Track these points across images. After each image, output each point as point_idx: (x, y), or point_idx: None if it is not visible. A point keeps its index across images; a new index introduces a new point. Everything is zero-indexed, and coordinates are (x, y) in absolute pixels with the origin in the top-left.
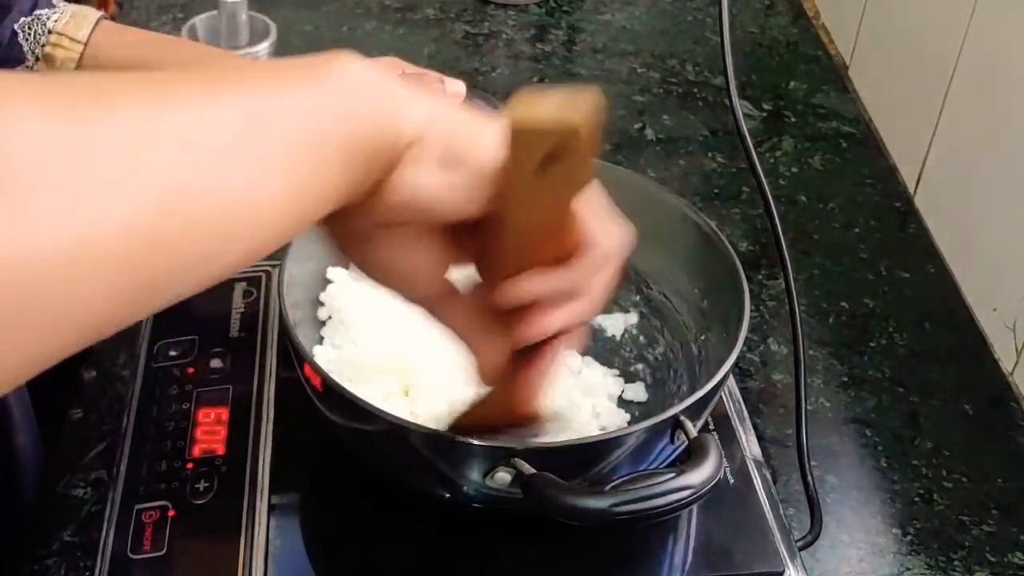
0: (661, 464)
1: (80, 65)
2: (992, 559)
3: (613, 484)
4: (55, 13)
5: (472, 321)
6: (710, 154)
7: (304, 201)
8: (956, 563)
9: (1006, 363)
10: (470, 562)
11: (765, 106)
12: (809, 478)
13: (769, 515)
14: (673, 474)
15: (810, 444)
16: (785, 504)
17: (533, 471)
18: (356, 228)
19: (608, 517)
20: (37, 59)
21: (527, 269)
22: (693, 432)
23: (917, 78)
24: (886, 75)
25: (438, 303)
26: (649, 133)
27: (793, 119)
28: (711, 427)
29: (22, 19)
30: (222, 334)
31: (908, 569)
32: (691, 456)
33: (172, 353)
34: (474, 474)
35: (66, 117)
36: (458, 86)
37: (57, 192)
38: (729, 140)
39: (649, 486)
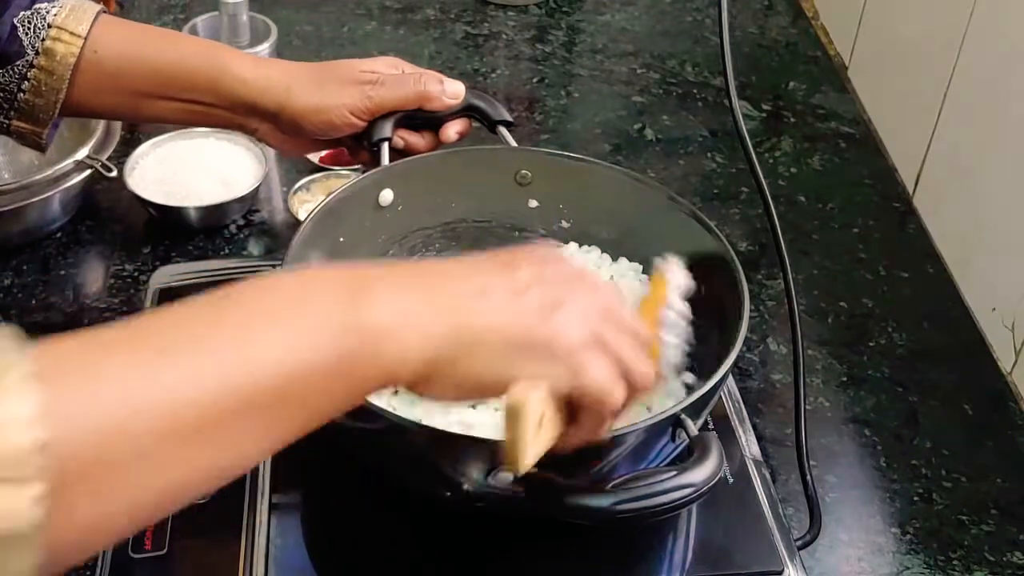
0: (661, 463)
1: (80, 60)
2: (991, 558)
3: (615, 483)
4: (54, 7)
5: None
6: (709, 154)
7: (294, 436)
8: (955, 562)
9: (1005, 363)
10: (470, 562)
11: (764, 106)
12: (808, 478)
13: (768, 514)
14: (675, 472)
15: (809, 444)
16: (784, 503)
17: (535, 470)
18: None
19: (610, 516)
20: (37, 53)
21: None
22: (694, 430)
23: (916, 79)
24: (885, 76)
25: None
26: (649, 133)
27: (792, 119)
28: (711, 427)
29: (21, 13)
30: None
31: (907, 568)
32: (692, 454)
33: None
34: (476, 473)
35: (91, 411)
36: (457, 87)
37: (84, 498)
38: (728, 140)
39: (651, 484)
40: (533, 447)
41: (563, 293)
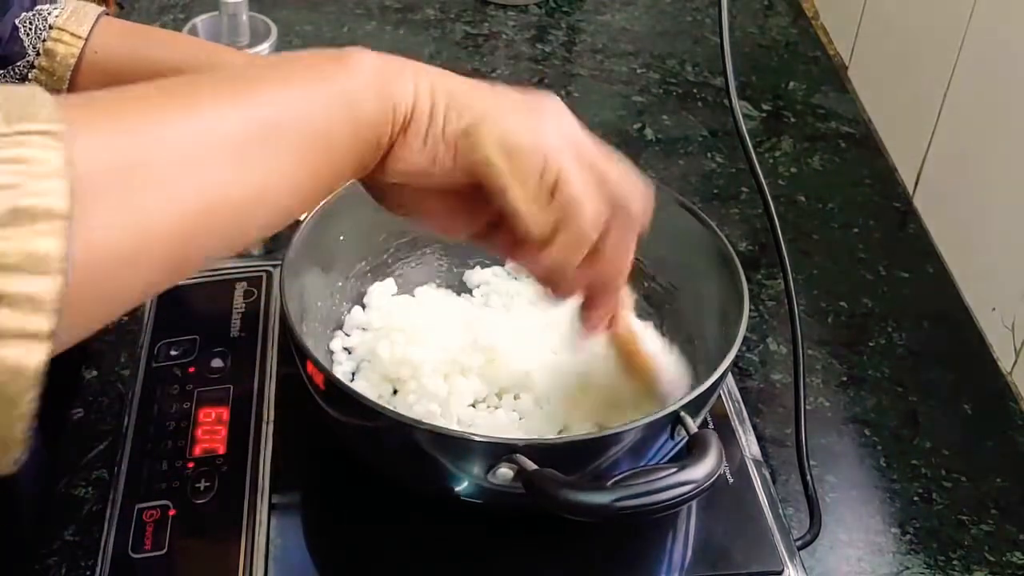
0: (660, 460)
1: (81, 61)
2: (991, 558)
3: (615, 479)
4: (56, 8)
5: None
6: (709, 154)
7: (316, 186)
8: (955, 562)
9: (1005, 363)
10: (470, 561)
11: (764, 106)
12: (808, 477)
13: (768, 514)
14: (675, 469)
15: (809, 444)
16: (784, 503)
17: (535, 467)
18: (379, 186)
19: (610, 512)
20: (38, 54)
21: None
22: (693, 428)
23: (916, 78)
24: (885, 75)
25: (479, 237)
26: (648, 133)
27: (792, 119)
28: (711, 426)
29: (23, 14)
30: (223, 334)
31: (907, 568)
32: (692, 451)
33: (173, 353)
34: (476, 470)
35: (117, 132)
36: None
37: (114, 203)
38: (728, 140)
39: (651, 481)
40: None
41: (547, 108)
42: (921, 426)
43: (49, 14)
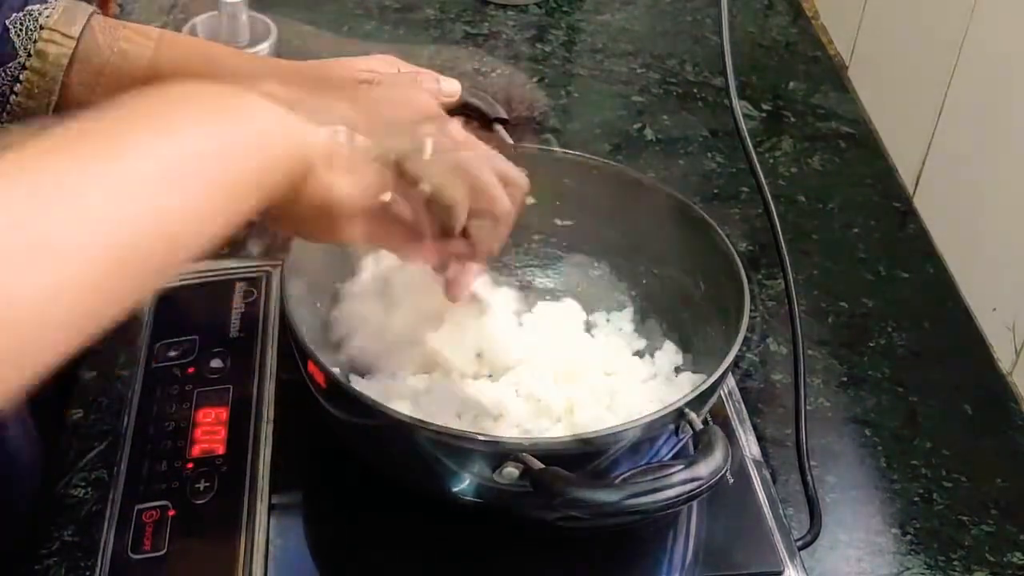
0: (664, 457)
1: (74, 59)
2: (991, 559)
3: (623, 476)
4: (47, 8)
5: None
6: (710, 154)
7: (227, 221)
8: (955, 563)
9: (1005, 363)
10: (470, 561)
11: (764, 106)
12: (808, 478)
13: (768, 515)
14: (682, 466)
15: (809, 444)
16: (784, 504)
17: (542, 466)
18: (284, 215)
19: (619, 510)
20: (29, 55)
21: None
22: (698, 424)
23: (916, 78)
24: (885, 75)
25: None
26: (648, 133)
27: (792, 119)
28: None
29: (13, 15)
30: (222, 334)
31: (907, 569)
32: (698, 447)
33: (172, 353)
34: (482, 470)
35: (17, 191)
36: (453, 85)
37: (18, 262)
38: (729, 140)
39: (659, 478)
40: None
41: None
42: (921, 426)
43: (40, 14)
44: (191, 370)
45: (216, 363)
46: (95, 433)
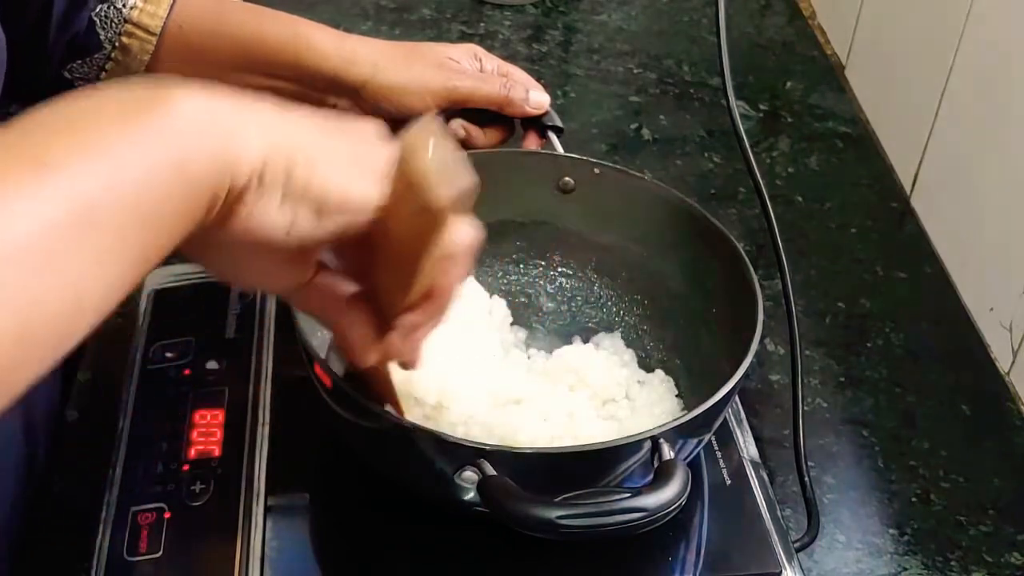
0: (639, 484)
1: (164, 34)
2: (989, 559)
3: (565, 496)
4: None
5: (330, 307)
6: (707, 154)
7: (146, 258)
8: (953, 563)
9: (1003, 363)
10: (469, 563)
11: (761, 106)
12: (806, 479)
13: (766, 516)
14: (627, 494)
15: (807, 445)
16: (782, 505)
17: (493, 473)
18: (204, 245)
19: (553, 529)
20: (114, 47)
21: (391, 270)
22: (667, 455)
23: (914, 78)
24: (882, 75)
25: (295, 293)
26: (645, 133)
27: (789, 119)
28: (715, 445)
29: (99, 6)
30: (218, 336)
31: (905, 569)
32: (656, 479)
33: (168, 355)
34: (446, 471)
35: None
36: (542, 99)
37: None
38: (726, 140)
39: (599, 503)
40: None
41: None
42: (919, 427)
43: (124, 5)
44: (187, 372)
45: (212, 365)
46: (90, 435)
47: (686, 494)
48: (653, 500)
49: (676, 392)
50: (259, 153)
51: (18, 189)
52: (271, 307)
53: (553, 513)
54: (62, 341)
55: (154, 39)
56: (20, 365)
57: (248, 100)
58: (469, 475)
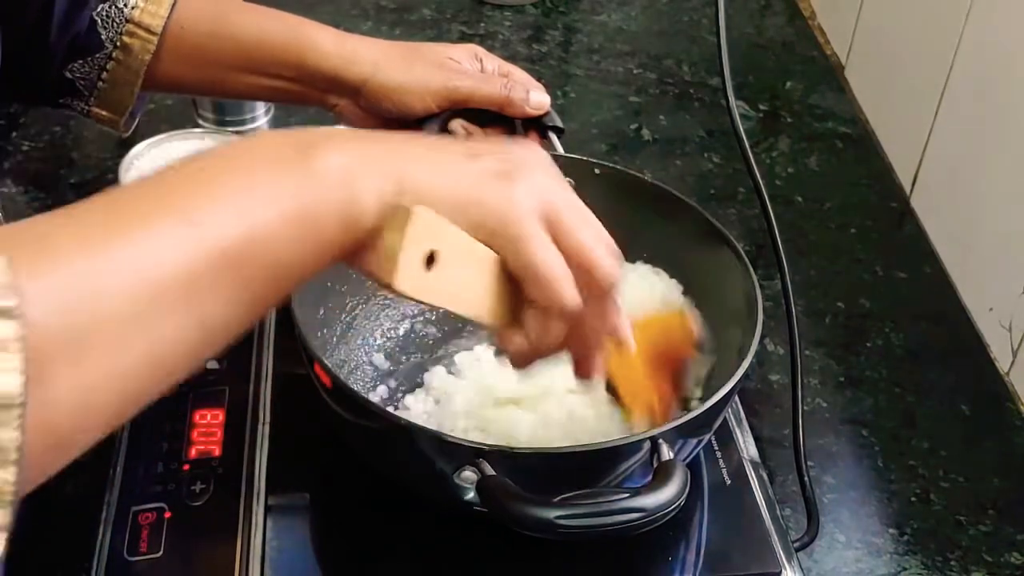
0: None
1: (165, 34)
2: (989, 559)
3: (564, 496)
4: None
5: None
6: (706, 154)
7: (269, 301)
8: (953, 563)
9: (1002, 363)
10: (469, 563)
11: (761, 106)
12: (806, 479)
13: (766, 516)
14: (626, 494)
15: (807, 444)
16: (782, 504)
17: (492, 473)
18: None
19: (551, 529)
20: (115, 46)
21: None
22: (667, 455)
23: (913, 78)
24: (882, 75)
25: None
26: (645, 133)
27: (789, 119)
28: (715, 445)
29: (100, 6)
30: None
31: (905, 569)
32: (654, 479)
33: (221, 346)
34: (445, 471)
35: (64, 287)
36: (543, 99)
37: (65, 374)
38: (725, 140)
39: (597, 503)
40: (418, 276)
41: (520, 168)
42: (919, 427)
43: (125, 5)
44: None
45: (212, 364)
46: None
47: (685, 495)
48: (651, 500)
49: None
50: (372, 203)
51: (165, 239)
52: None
53: (551, 513)
54: (183, 370)
55: (155, 39)
56: (148, 388)
57: (389, 144)
58: (468, 475)
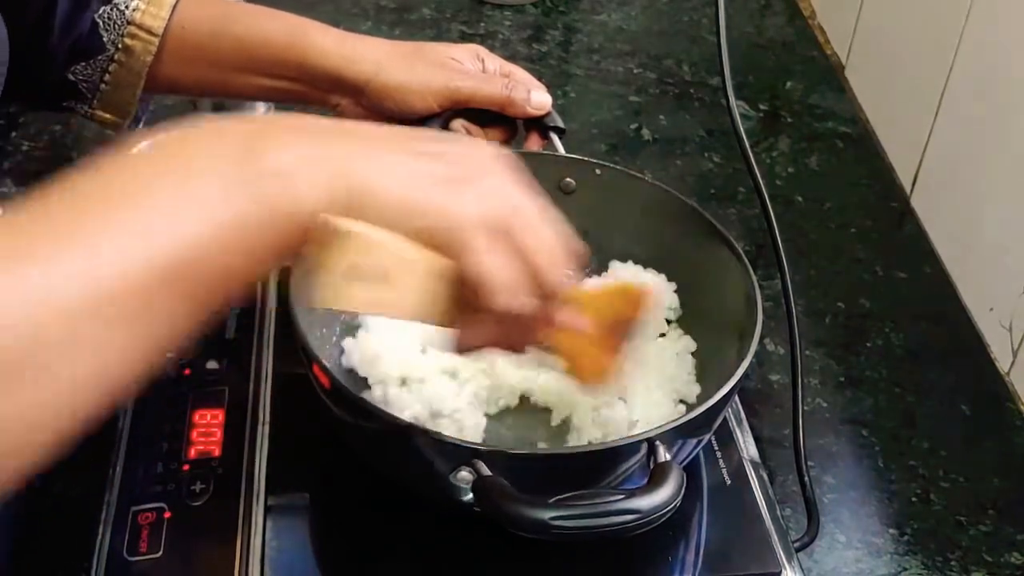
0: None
1: (167, 36)
2: (989, 559)
3: (559, 497)
4: (133, 1)
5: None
6: (707, 154)
7: (217, 303)
8: (953, 563)
9: (1002, 363)
10: (469, 563)
11: (762, 106)
12: (806, 479)
13: (766, 516)
14: (621, 496)
15: (807, 445)
16: (782, 505)
17: (488, 473)
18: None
19: (546, 529)
20: (117, 49)
21: None
22: (663, 457)
23: (913, 78)
24: (882, 75)
25: None
26: (645, 133)
27: (789, 119)
28: (715, 445)
29: (101, 8)
30: (218, 335)
31: (905, 569)
32: (650, 481)
33: (168, 354)
34: (442, 471)
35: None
36: (544, 99)
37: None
38: (725, 140)
39: (593, 504)
40: (341, 289)
41: (471, 172)
42: (919, 427)
43: (126, 8)
44: (187, 371)
45: (212, 364)
46: (90, 435)
47: (680, 497)
48: (647, 502)
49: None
50: (311, 206)
51: (99, 258)
52: (271, 307)
53: (546, 514)
54: (131, 380)
55: (157, 40)
56: (96, 400)
57: (338, 139)
58: (464, 475)
